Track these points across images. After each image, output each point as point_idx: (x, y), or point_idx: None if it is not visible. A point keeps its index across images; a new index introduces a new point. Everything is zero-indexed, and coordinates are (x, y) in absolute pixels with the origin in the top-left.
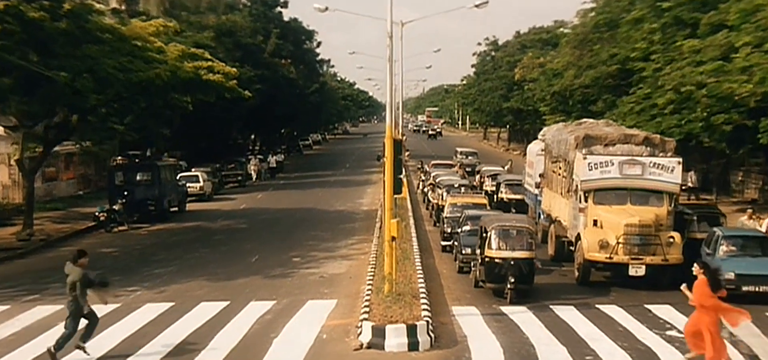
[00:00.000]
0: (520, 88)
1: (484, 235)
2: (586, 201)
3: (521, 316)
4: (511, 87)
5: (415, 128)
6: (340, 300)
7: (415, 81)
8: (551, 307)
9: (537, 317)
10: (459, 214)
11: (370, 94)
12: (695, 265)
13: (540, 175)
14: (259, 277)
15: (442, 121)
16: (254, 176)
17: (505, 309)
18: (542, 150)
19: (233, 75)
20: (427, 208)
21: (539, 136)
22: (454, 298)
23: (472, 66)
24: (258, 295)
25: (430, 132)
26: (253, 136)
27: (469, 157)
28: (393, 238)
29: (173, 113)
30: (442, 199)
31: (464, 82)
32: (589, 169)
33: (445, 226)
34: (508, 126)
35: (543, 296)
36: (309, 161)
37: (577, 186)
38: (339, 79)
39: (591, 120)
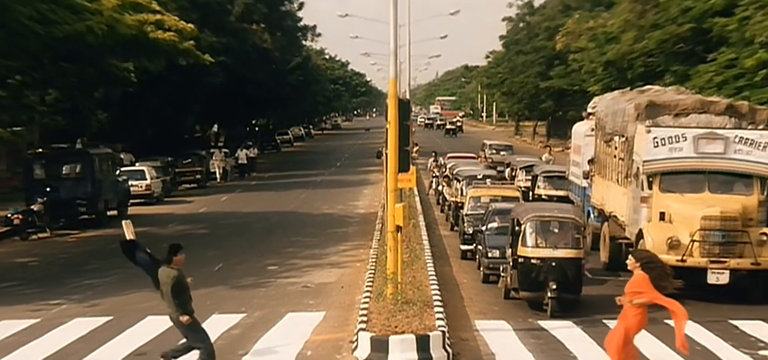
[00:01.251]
0: (563, 61)
1: (517, 229)
2: (650, 188)
3: (566, 331)
4: (551, 61)
5: (426, 122)
6: (329, 312)
7: (424, 58)
8: (606, 321)
9: (587, 333)
10: (483, 211)
11: (368, 78)
12: (630, 257)
13: (589, 162)
14: (224, 288)
15: (461, 113)
16: (219, 175)
17: (546, 323)
18: (592, 130)
19: (189, 33)
20: (443, 211)
21: (588, 108)
22: (478, 311)
23: (501, 38)
24: (222, 307)
25: (448, 127)
26: (215, 128)
27: (502, 152)
28: (398, 228)
29: (111, 88)
30: (461, 193)
31: (490, 59)
32: (655, 147)
33: (466, 225)
34: (549, 117)
35: (594, 309)
36: (289, 159)
37: (638, 169)
38: (328, 56)
39: (657, 87)
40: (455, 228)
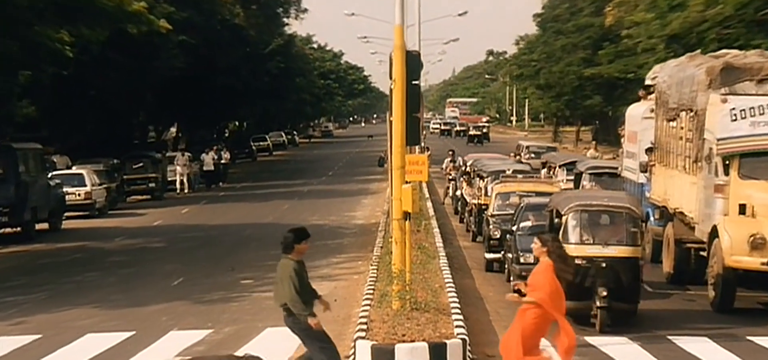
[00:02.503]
0: (614, 41)
1: (557, 222)
2: (726, 173)
3: (621, 348)
4: (598, 43)
5: (442, 128)
6: None
7: (438, 43)
8: (671, 337)
9: (647, 351)
10: (513, 210)
11: (367, 74)
12: (535, 240)
13: (648, 150)
14: (185, 303)
15: (484, 118)
16: (180, 184)
17: (595, 339)
18: (651, 110)
19: None
20: (462, 220)
21: (647, 79)
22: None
23: (535, 17)
24: (182, 322)
25: (473, 133)
26: (174, 129)
27: (544, 155)
28: (406, 216)
29: (40, 68)
30: (485, 193)
31: (520, 45)
32: (732, 121)
33: (491, 229)
34: (596, 122)
35: (656, 323)
36: (267, 169)
37: (710, 150)
38: (317, 45)
39: (736, 51)
40: (478, 238)
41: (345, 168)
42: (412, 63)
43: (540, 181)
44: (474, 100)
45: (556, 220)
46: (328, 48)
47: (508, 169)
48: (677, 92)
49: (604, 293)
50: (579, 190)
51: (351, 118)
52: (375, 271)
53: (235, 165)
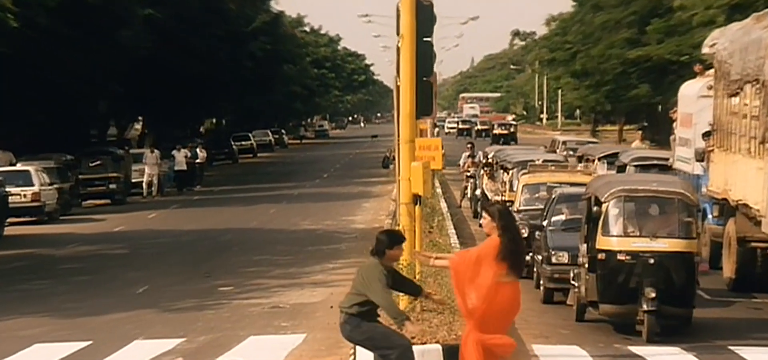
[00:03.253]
0: (664, 16)
1: (597, 211)
2: None
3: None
4: (645, 18)
5: (459, 127)
6: (312, 334)
7: (454, 24)
8: (734, 348)
9: None
10: (542, 205)
11: (369, 62)
12: (483, 213)
13: (705, 135)
14: (152, 311)
15: (510, 116)
16: (147, 186)
17: (641, 349)
18: (709, 88)
19: None
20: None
21: (705, 48)
22: (538, 334)
23: None
24: (149, 331)
25: (497, 131)
26: (139, 125)
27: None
28: (416, 199)
29: None
30: (510, 188)
31: (553, 25)
32: None
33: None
34: (643, 119)
35: (715, 333)
36: (250, 171)
37: None
38: (309, 28)
39: None
40: None
41: (343, 170)
42: (424, 15)
43: (575, 171)
44: (496, 94)
45: (594, 209)
46: (322, 32)
47: (538, 159)
48: (741, 61)
49: (653, 295)
50: (623, 174)
51: (350, 118)
52: None
53: (212, 167)
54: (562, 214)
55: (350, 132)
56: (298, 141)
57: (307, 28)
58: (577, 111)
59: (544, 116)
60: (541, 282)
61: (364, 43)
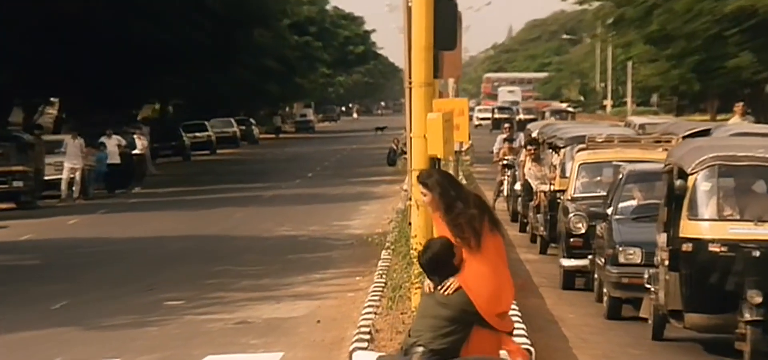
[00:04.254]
0: None
1: (680, 187)
2: None
3: None
4: None
5: (494, 115)
6: (291, 353)
7: None
8: None
9: None
10: (606, 191)
11: (369, 29)
12: (421, 186)
13: None
14: (73, 329)
15: (563, 103)
16: (67, 184)
17: None
18: None
19: None
20: (525, 228)
21: None
22: (600, 354)
23: None
24: (71, 352)
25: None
26: (54, 110)
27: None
28: (435, 162)
29: None
30: (562, 173)
31: None
32: None
33: (572, 220)
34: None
35: None
36: (207, 170)
37: None
38: None
39: None
40: (553, 246)
41: (334, 168)
42: None
43: (649, 145)
44: (543, 74)
45: (677, 185)
46: None
47: (600, 136)
48: None
49: (758, 300)
50: (718, 137)
51: (343, 108)
52: (383, 281)
53: (156, 165)
54: (633, 198)
55: (344, 125)
56: (273, 135)
57: None
58: (654, 96)
59: (608, 102)
60: (605, 290)
61: (363, 3)
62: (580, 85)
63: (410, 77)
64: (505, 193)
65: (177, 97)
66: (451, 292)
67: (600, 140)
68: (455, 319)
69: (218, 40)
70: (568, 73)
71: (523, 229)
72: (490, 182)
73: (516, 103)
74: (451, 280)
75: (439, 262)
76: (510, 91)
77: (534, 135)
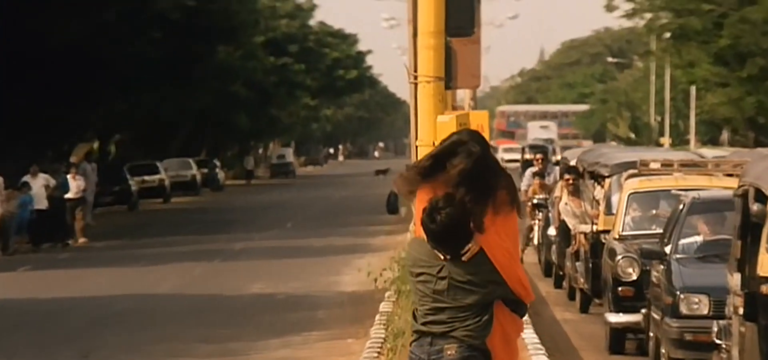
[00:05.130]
0: None
1: (757, 209)
2: None
3: None
4: None
5: (524, 158)
6: None
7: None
8: None
9: None
10: (661, 227)
11: (363, 49)
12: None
13: None
14: None
15: (611, 142)
16: None
17: None
18: None
19: None
20: (560, 282)
21: None
22: None
23: None
24: None
25: None
26: None
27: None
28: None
29: None
30: (607, 208)
31: None
32: None
33: (620, 264)
34: None
35: None
36: (158, 220)
37: None
38: None
39: None
40: (597, 302)
41: (319, 217)
42: None
43: (716, 171)
44: (583, 107)
45: (754, 209)
46: None
47: (653, 161)
48: None
49: None
50: None
51: (331, 150)
52: (380, 342)
53: (94, 214)
54: (698, 233)
55: (333, 169)
56: (244, 180)
57: None
58: (725, 132)
59: (665, 139)
60: (663, 351)
61: (356, 16)
62: (630, 118)
63: (415, 70)
64: (536, 240)
65: (121, 131)
66: (469, 256)
67: (655, 165)
68: (482, 294)
69: (170, 56)
70: (614, 105)
71: (558, 284)
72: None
73: (550, 141)
74: (470, 245)
75: (459, 224)
76: (543, 127)
77: (572, 163)
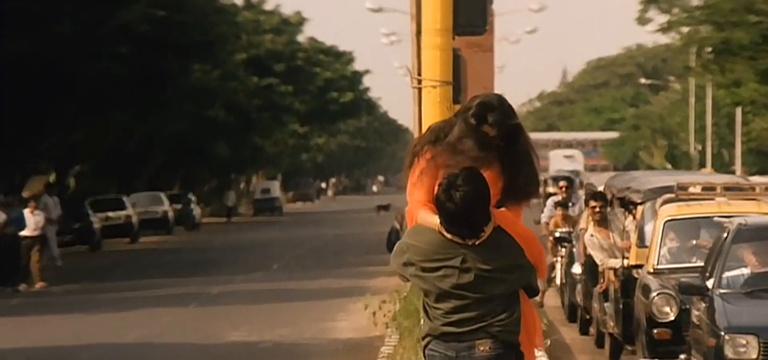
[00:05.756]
0: None
1: None
2: None
3: None
4: None
5: (548, 189)
6: None
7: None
8: None
9: None
10: (702, 259)
11: (359, 69)
12: None
13: None
14: None
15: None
16: None
17: None
18: None
19: None
20: (587, 328)
21: None
22: None
23: None
24: None
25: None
26: None
27: None
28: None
29: None
30: (640, 240)
31: None
32: None
33: (656, 301)
34: None
35: None
36: (124, 261)
37: None
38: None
39: None
40: (628, 349)
41: (310, 258)
42: None
43: (765, 195)
44: (612, 134)
45: None
46: (268, 8)
47: (692, 185)
48: None
49: None
50: None
51: (323, 184)
52: None
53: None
54: (745, 265)
55: (326, 206)
56: (223, 218)
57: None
58: None
59: (707, 170)
60: None
61: (352, 34)
62: (666, 147)
63: (419, 74)
64: (559, 280)
65: (81, 161)
66: (488, 235)
67: (695, 189)
68: (510, 282)
69: (140, 74)
70: (648, 132)
71: (585, 330)
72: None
73: (576, 172)
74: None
75: (482, 202)
76: (567, 157)
77: (599, 189)
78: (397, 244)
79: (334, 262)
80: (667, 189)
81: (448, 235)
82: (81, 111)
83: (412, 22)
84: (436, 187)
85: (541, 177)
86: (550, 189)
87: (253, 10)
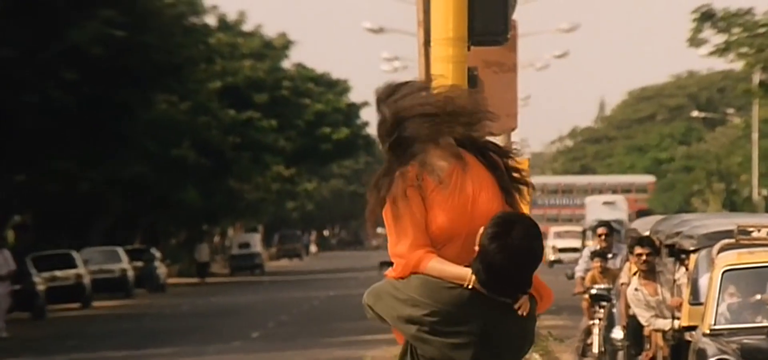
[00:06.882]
0: None
1: None
2: None
3: None
4: None
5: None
6: None
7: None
8: None
9: None
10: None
11: (358, 101)
12: None
13: None
14: None
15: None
16: None
17: None
18: None
19: None
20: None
21: None
22: None
23: None
24: None
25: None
26: None
27: None
28: None
29: None
30: (693, 294)
31: None
32: None
33: None
34: None
35: None
36: (74, 332)
37: None
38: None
39: None
40: None
41: (298, 324)
42: None
43: None
44: (651, 179)
45: None
46: (248, 29)
47: (755, 225)
48: None
49: None
50: None
51: (312, 236)
52: None
53: None
54: None
55: (316, 263)
56: (194, 278)
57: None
58: None
59: None
60: None
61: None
62: (724, 192)
63: None
64: (596, 347)
65: (22, 210)
66: (525, 312)
67: (759, 233)
68: (526, 349)
69: (94, 105)
70: (703, 175)
71: None
72: (569, 337)
73: (619, 222)
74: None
75: (538, 259)
76: (607, 203)
77: (645, 234)
78: (395, 286)
79: (326, 329)
80: (726, 234)
81: (484, 291)
82: (21, 149)
83: (420, 30)
84: (479, 234)
85: (580, 228)
86: (589, 242)
87: (230, 31)
